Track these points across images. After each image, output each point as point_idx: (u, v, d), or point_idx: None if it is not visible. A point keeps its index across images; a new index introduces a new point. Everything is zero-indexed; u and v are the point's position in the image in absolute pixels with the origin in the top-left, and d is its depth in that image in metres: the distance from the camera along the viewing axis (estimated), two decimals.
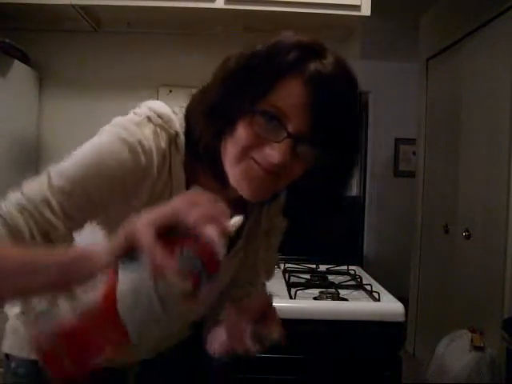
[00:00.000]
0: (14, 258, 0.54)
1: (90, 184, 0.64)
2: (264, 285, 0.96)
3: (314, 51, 0.65)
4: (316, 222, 0.79)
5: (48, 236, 0.61)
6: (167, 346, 0.91)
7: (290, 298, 1.51)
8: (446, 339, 2.30)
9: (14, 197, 0.62)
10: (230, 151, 0.67)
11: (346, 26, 1.97)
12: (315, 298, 1.52)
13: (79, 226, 0.65)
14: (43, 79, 2.07)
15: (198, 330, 0.89)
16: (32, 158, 1.98)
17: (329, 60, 0.65)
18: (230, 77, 0.65)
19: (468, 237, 2.67)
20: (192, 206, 0.49)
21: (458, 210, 2.85)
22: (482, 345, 2.13)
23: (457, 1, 2.91)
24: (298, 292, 1.53)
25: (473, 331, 2.20)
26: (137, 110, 0.71)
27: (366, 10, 1.78)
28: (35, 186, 0.63)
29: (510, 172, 2.30)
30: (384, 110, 4.61)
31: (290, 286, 1.63)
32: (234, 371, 1.44)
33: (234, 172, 0.68)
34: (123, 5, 1.79)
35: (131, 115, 0.70)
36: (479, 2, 2.63)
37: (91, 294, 0.47)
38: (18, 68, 1.87)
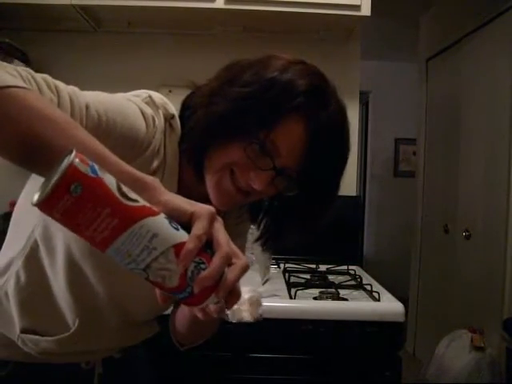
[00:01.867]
0: (84, 134, 0.51)
1: (119, 120, 0.63)
2: None
3: (320, 98, 0.69)
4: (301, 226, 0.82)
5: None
6: (131, 343, 0.90)
7: (290, 298, 1.51)
8: (445, 339, 2.30)
9: (65, 85, 0.60)
10: (213, 160, 0.71)
11: (346, 25, 1.97)
12: (315, 298, 1.52)
13: None
14: None
15: (166, 328, 0.88)
16: None
17: (331, 109, 0.69)
18: (241, 99, 0.68)
19: (468, 237, 2.68)
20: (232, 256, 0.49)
21: (458, 210, 2.85)
22: (482, 345, 2.13)
23: (457, 1, 2.91)
24: (298, 292, 1.53)
25: (473, 331, 2.20)
26: (136, 92, 0.73)
27: (366, 10, 1.78)
28: (80, 91, 0.62)
29: (510, 172, 2.30)
30: (384, 110, 4.61)
31: (290, 285, 1.63)
32: (234, 371, 1.44)
33: (209, 180, 0.72)
34: (123, 5, 1.79)
35: (132, 94, 0.72)
36: (479, 2, 2.63)
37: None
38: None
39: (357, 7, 1.77)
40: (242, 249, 0.98)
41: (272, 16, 1.82)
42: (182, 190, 0.75)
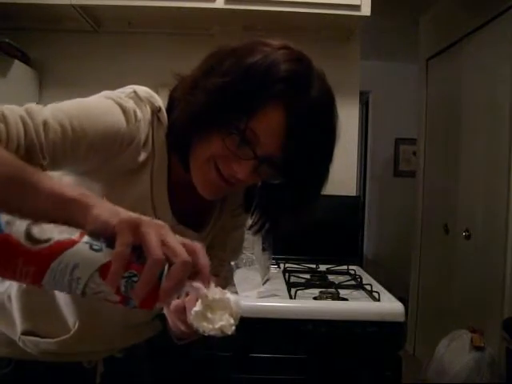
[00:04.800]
0: (6, 161, 0.51)
1: (87, 126, 0.64)
2: (230, 264, 0.97)
3: (300, 84, 0.66)
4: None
5: (29, 155, 0.59)
6: (133, 343, 0.90)
7: (290, 297, 1.51)
8: (445, 339, 2.30)
9: (18, 108, 0.61)
10: (197, 152, 0.71)
11: (346, 25, 1.97)
12: (315, 298, 1.52)
13: (58, 165, 0.64)
14: (43, 79, 2.07)
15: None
16: None
17: (313, 94, 0.67)
18: (219, 89, 0.67)
19: (468, 237, 2.68)
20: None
21: (458, 210, 2.85)
22: (482, 345, 2.12)
23: (457, 1, 2.91)
24: (298, 292, 1.53)
25: (473, 331, 2.20)
26: (121, 89, 0.74)
27: (366, 10, 1.78)
28: (38, 108, 0.63)
29: (510, 172, 2.30)
30: (384, 109, 4.61)
31: (290, 285, 1.63)
32: (234, 371, 1.44)
33: (195, 171, 0.73)
34: (123, 5, 1.79)
35: (117, 91, 0.72)
36: (479, 2, 2.63)
37: (51, 233, 0.45)
38: (18, 68, 1.87)
39: (357, 7, 1.77)
40: (240, 240, 0.98)
41: (272, 16, 1.82)
42: (173, 179, 0.77)
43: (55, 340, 0.78)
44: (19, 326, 0.77)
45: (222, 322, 0.55)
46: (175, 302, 0.63)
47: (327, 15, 1.80)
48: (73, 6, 1.78)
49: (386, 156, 4.75)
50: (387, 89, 4.51)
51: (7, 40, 1.79)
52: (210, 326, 0.55)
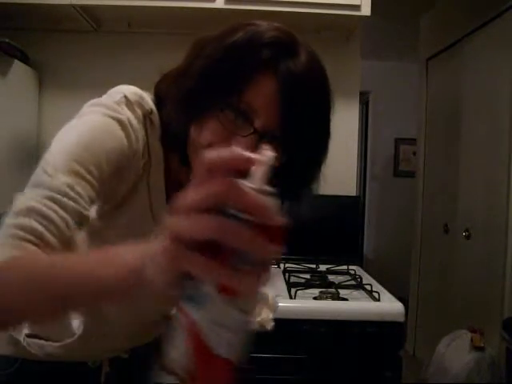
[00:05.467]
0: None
1: (94, 159, 0.62)
2: None
3: (287, 49, 0.64)
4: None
5: (81, 224, 0.60)
6: (140, 344, 0.90)
7: (290, 297, 1.51)
8: (445, 339, 2.30)
9: (35, 192, 0.58)
10: (196, 140, 0.68)
11: (346, 25, 1.97)
12: (315, 298, 1.52)
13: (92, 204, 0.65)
14: (43, 79, 2.07)
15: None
16: (32, 158, 1.98)
17: (301, 59, 0.65)
18: (204, 69, 0.65)
19: (468, 237, 2.67)
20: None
21: (458, 210, 2.85)
22: (482, 345, 2.12)
23: (457, 1, 2.91)
24: (298, 292, 1.53)
25: (473, 331, 2.20)
26: (109, 92, 0.72)
27: (366, 10, 1.78)
28: (41, 179, 0.60)
29: (510, 172, 2.30)
30: (384, 109, 4.61)
31: (290, 285, 1.63)
32: (234, 371, 1.44)
33: (196, 161, 0.69)
34: (123, 5, 1.79)
35: (107, 96, 0.70)
36: (479, 2, 2.63)
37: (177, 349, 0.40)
38: (18, 68, 1.87)
39: (357, 7, 1.77)
40: None
41: (272, 16, 1.82)
42: (172, 179, 0.76)
43: (59, 344, 0.78)
44: (24, 327, 0.77)
45: (262, 316, 0.54)
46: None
47: (327, 15, 1.81)
48: (73, 6, 1.78)
49: (386, 156, 4.75)
50: (387, 89, 4.51)
51: (7, 40, 1.79)
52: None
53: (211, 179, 0.38)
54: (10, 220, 0.55)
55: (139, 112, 0.70)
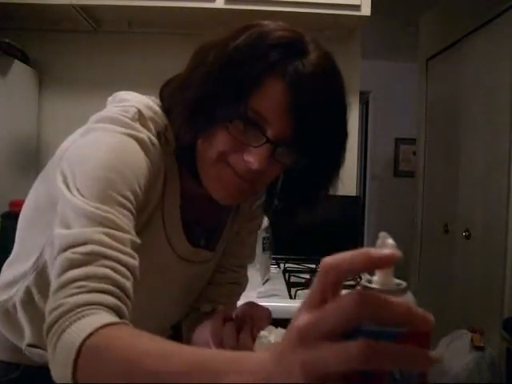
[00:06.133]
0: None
1: (127, 183, 0.58)
2: (246, 269, 0.93)
3: (295, 49, 0.60)
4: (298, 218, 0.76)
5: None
6: None
7: (290, 297, 1.51)
8: (445, 339, 2.30)
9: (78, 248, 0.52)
10: (205, 153, 0.64)
11: (346, 25, 1.97)
12: None
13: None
14: (43, 79, 2.07)
15: (175, 332, 0.88)
16: (32, 158, 1.98)
17: (311, 58, 0.60)
18: (209, 78, 0.62)
19: (468, 237, 2.67)
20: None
21: (457, 210, 2.85)
22: (482, 345, 2.12)
23: (457, 1, 2.91)
24: (298, 292, 1.53)
25: (473, 331, 2.20)
26: (119, 103, 0.67)
27: (366, 10, 1.78)
28: (83, 208, 0.54)
29: (510, 172, 2.30)
30: (384, 109, 4.61)
31: (290, 285, 1.63)
32: None
33: (207, 175, 0.66)
34: (123, 5, 1.79)
35: (118, 110, 0.64)
36: (479, 2, 2.63)
37: None
38: (18, 68, 1.87)
39: (357, 7, 1.77)
40: (255, 243, 0.95)
41: (272, 16, 1.81)
42: (186, 197, 0.72)
43: None
44: (27, 337, 0.74)
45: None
46: (228, 345, 0.63)
47: (327, 15, 1.80)
48: (72, 6, 1.78)
49: (386, 156, 4.75)
50: (387, 89, 4.51)
51: (7, 40, 1.79)
52: None
53: (331, 288, 0.34)
54: (75, 271, 0.50)
55: (153, 129, 0.65)
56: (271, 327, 0.58)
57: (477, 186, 2.65)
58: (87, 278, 0.50)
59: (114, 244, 0.53)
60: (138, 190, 0.60)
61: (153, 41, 2.08)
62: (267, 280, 1.72)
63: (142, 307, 0.78)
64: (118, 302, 0.51)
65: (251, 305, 0.71)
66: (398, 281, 0.38)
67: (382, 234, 0.38)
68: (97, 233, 0.52)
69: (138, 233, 0.66)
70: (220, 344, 0.65)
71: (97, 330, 0.45)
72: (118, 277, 0.51)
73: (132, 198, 0.58)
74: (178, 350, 0.41)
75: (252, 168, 0.61)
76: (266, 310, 0.69)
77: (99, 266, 0.51)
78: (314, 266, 1.96)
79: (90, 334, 0.44)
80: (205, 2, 1.76)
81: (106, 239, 0.52)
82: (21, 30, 1.99)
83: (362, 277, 0.36)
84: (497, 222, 2.39)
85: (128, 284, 0.53)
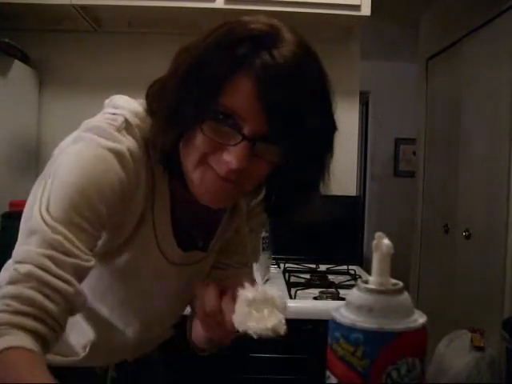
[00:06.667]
0: None
1: (88, 203, 0.60)
2: (252, 267, 0.92)
3: (265, 41, 0.58)
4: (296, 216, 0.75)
5: (81, 277, 0.59)
6: (146, 351, 0.90)
7: (290, 297, 1.51)
8: (445, 339, 2.29)
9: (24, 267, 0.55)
10: (187, 158, 0.64)
11: (345, 26, 1.97)
12: (315, 298, 1.52)
13: (95, 245, 0.63)
14: (43, 79, 2.07)
15: (178, 331, 0.89)
16: (32, 158, 1.98)
17: (282, 49, 0.58)
18: (182, 79, 0.61)
19: (468, 237, 2.67)
20: None
21: (457, 210, 2.85)
22: (482, 345, 2.12)
23: (457, 1, 2.91)
24: (298, 292, 1.53)
25: (473, 331, 2.19)
26: (110, 110, 0.67)
27: (366, 10, 1.78)
28: (39, 227, 0.57)
29: (510, 172, 2.30)
30: (384, 110, 4.61)
31: (290, 285, 1.63)
32: (235, 371, 1.44)
33: (191, 180, 0.65)
34: (123, 4, 1.79)
35: (106, 119, 0.65)
36: (479, 2, 2.63)
37: None
38: (18, 68, 1.87)
39: (357, 7, 1.77)
40: (259, 241, 0.93)
41: (272, 16, 1.81)
42: (178, 202, 0.72)
43: (64, 359, 0.77)
44: None
45: (274, 321, 0.52)
46: (208, 307, 0.62)
47: (327, 15, 1.80)
48: (73, 5, 1.78)
49: (386, 156, 4.75)
50: (387, 89, 4.51)
51: (7, 40, 1.79)
52: (262, 327, 0.51)
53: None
54: (10, 287, 0.54)
55: (139, 136, 0.65)
56: (251, 286, 0.56)
57: (477, 186, 2.65)
58: (15, 297, 0.53)
59: (53, 269, 0.55)
60: (103, 209, 0.61)
61: (153, 41, 2.08)
62: (267, 280, 1.72)
63: (142, 310, 0.78)
64: (39, 326, 0.53)
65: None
66: (394, 281, 0.38)
67: (378, 234, 0.39)
68: (41, 255, 0.55)
69: (129, 241, 0.69)
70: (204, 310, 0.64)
71: None
72: (45, 302, 0.54)
73: (94, 218, 0.60)
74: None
75: (232, 168, 0.59)
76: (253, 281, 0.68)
77: (29, 288, 0.54)
78: (313, 266, 1.97)
79: None
80: (205, 2, 1.76)
81: (48, 263, 0.55)
82: (21, 29, 1.99)
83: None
84: (497, 222, 2.39)
85: (56, 309, 0.55)
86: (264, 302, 0.54)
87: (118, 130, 0.64)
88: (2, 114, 1.74)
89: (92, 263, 0.60)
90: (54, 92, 2.08)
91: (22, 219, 0.77)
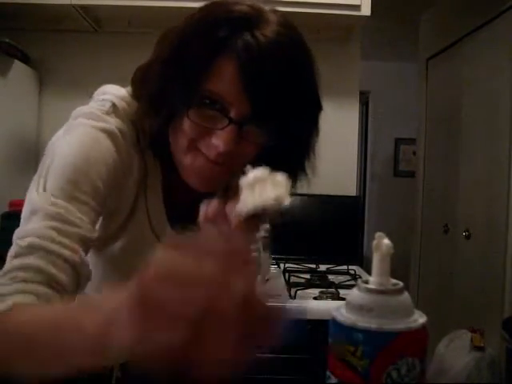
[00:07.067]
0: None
1: (87, 179, 0.60)
2: None
3: (247, 22, 0.58)
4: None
5: (87, 247, 0.59)
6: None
7: (290, 297, 1.51)
8: (445, 339, 2.29)
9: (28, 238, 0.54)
10: (177, 144, 0.64)
11: (345, 26, 1.98)
12: (315, 298, 1.52)
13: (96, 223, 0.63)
14: (43, 79, 2.07)
15: None
16: (32, 158, 1.98)
17: (264, 30, 0.57)
18: (164, 63, 0.61)
19: (468, 237, 2.67)
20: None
21: (457, 210, 2.85)
22: (482, 345, 2.12)
23: (457, 1, 2.91)
24: (298, 292, 1.53)
25: (473, 331, 2.19)
26: (97, 97, 0.69)
27: (366, 10, 1.78)
28: (39, 205, 0.56)
29: (510, 172, 2.30)
30: (384, 110, 4.61)
31: (290, 285, 1.63)
32: (234, 371, 1.44)
33: (181, 164, 0.65)
34: (123, 4, 1.79)
35: (94, 104, 0.67)
36: (479, 2, 2.63)
37: None
38: (18, 68, 1.87)
39: (357, 7, 1.77)
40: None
41: None
42: (170, 189, 0.72)
43: None
44: None
45: (277, 192, 0.52)
46: (211, 211, 0.60)
47: (327, 15, 1.80)
48: (73, 5, 1.78)
49: (385, 156, 4.75)
50: (387, 89, 4.51)
51: (7, 40, 1.79)
52: (265, 197, 0.51)
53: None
54: (14, 261, 0.52)
55: (127, 119, 0.66)
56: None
57: (477, 186, 2.65)
58: (22, 268, 0.52)
59: (59, 238, 0.54)
60: (100, 185, 0.61)
61: (153, 41, 2.07)
62: (267, 280, 1.72)
63: None
64: (49, 291, 0.52)
65: None
66: (394, 281, 0.39)
67: (378, 234, 0.39)
68: (45, 227, 0.54)
69: (123, 227, 0.69)
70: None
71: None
72: (53, 270, 0.53)
73: (92, 192, 0.60)
74: (51, 312, 0.45)
75: (220, 151, 0.60)
76: None
77: (36, 258, 0.52)
78: (313, 266, 1.96)
79: None
80: (205, 2, 1.76)
81: (53, 234, 0.54)
82: (21, 29, 1.99)
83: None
84: (497, 222, 2.39)
85: (65, 278, 0.54)
86: (265, 180, 0.54)
87: (107, 113, 0.65)
88: (1, 114, 1.74)
89: (95, 235, 0.60)
90: (54, 92, 2.08)
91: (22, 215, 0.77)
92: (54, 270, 0.53)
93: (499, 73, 2.43)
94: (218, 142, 0.59)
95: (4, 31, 1.87)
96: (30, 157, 1.97)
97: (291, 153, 0.67)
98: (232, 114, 0.59)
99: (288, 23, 0.61)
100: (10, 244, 0.61)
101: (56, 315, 0.45)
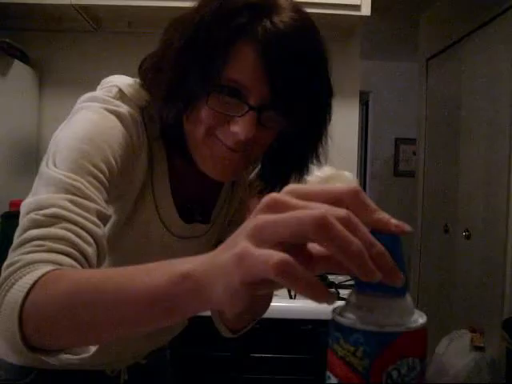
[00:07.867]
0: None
1: (102, 156, 0.58)
2: None
3: (264, 9, 0.58)
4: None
5: (105, 223, 0.57)
6: (161, 345, 0.90)
7: (290, 297, 1.51)
8: (445, 339, 2.30)
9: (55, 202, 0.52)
10: (194, 132, 0.63)
11: (346, 25, 1.97)
12: None
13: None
14: (43, 79, 2.07)
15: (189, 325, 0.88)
16: (32, 158, 1.98)
17: (281, 16, 0.58)
18: (179, 55, 0.60)
19: (468, 237, 2.67)
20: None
21: (457, 210, 2.85)
22: (482, 345, 2.12)
23: (457, 1, 2.91)
24: None
25: (473, 331, 2.20)
26: (104, 85, 0.69)
27: (366, 10, 1.78)
28: (54, 176, 0.55)
29: (510, 172, 2.30)
30: (384, 109, 4.61)
31: None
32: (234, 371, 1.44)
33: (198, 153, 0.64)
34: (123, 4, 1.79)
35: (102, 91, 0.66)
36: (479, 2, 2.63)
37: None
38: (18, 68, 1.87)
39: (357, 7, 1.77)
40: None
41: None
42: (177, 177, 0.71)
43: (76, 357, 0.75)
44: None
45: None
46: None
47: (327, 15, 1.80)
48: (73, 6, 1.78)
49: (386, 156, 4.75)
50: (387, 89, 4.51)
51: (7, 40, 1.79)
52: None
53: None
54: (34, 231, 0.50)
55: (135, 105, 0.66)
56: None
57: (477, 186, 2.65)
58: (46, 237, 0.50)
59: (78, 210, 0.53)
60: (114, 163, 0.60)
61: (153, 41, 2.07)
62: None
63: None
64: (75, 263, 0.50)
65: None
66: None
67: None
68: (62, 199, 0.52)
69: (130, 215, 0.68)
70: None
71: (42, 276, 0.45)
72: (78, 240, 0.51)
73: (106, 169, 0.58)
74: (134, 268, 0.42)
75: (240, 138, 0.59)
76: None
77: (60, 228, 0.51)
78: None
79: (35, 282, 0.45)
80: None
81: (71, 205, 0.53)
82: (21, 29, 1.99)
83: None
84: (497, 222, 2.39)
85: (89, 249, 0.52)
86: (333, 178, 0.55)
87: (115, 98, 0.65)
88: (2, 113, 1.74)
89: (110, 213, 0.59)
90: (54, 92, 2.08)
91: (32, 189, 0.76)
92: (79, 241, 0.51)
93: (499, 73, 2.43)
94: (238, 129, 0.59)
95: (4, 31, 1.87)
96: (30, 157, 1.97)
97: (307, 139, 0.67)
98: (251, 101, 0.58)
99: (299, 8, 0.62)
100: (10, 244, 0.60)
101: (117, 271, 0.43)
